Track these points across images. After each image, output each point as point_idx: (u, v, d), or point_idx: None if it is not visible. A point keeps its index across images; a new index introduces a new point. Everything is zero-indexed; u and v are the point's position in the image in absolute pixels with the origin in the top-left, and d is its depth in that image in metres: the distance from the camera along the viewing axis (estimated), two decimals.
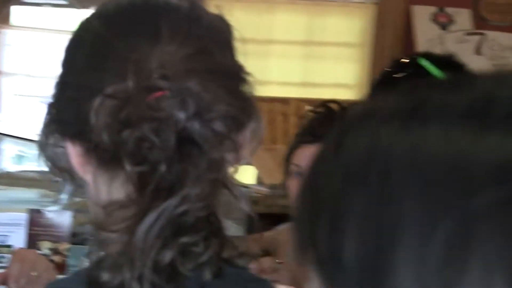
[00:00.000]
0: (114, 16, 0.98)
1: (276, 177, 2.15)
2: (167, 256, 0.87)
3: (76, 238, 2.31)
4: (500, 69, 0.44)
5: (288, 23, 3.94)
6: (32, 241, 2.33)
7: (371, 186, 0.44)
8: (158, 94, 0.88)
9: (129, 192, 0.89)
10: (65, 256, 2.30)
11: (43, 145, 1.00)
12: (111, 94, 0.89)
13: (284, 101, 3.69)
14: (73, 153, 0.96)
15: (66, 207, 2.39)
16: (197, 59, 0.92)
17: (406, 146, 0.44)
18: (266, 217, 1.99)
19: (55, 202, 2.44)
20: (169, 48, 0.91)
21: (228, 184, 0.92)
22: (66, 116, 0.97)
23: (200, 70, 0.90)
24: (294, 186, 2.06)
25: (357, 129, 0.49)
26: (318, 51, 3.79)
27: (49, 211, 2.40)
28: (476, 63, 3.21)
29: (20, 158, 3.60)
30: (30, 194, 2.62)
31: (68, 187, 1.02)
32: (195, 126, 0.88)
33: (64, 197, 2.12)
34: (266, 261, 1.98)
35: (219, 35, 0.97)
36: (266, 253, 2.12)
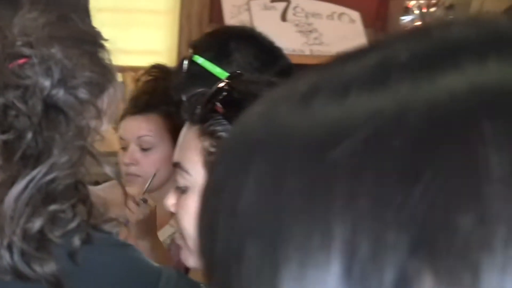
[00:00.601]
0: None
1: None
2: (37, 223, 0.87)
3: None
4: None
5: None
6: None
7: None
8: (22, 61, 0.87)
9: None
10: None
11: None
12: None
13: None
14: None
15: None
16: (58, 26, 0.91)
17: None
18: None
19: None
20: (30, 15, 0.90)
21: (93, 151, 0.93)
22: None
23: (62, 37, 0.90)
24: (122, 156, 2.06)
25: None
26: (126, 18, 3.77)
27: None
28: (282, 30, 3.31)
29: None
30: None
31: None
32: (60, 93, 0.88)
33: None
34: None
35: (78, 2, 0.97)
36: None
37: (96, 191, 1.87)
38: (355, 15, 3.40)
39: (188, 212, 1.36)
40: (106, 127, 0.95)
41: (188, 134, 1.42)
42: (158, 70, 2.15)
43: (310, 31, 3.34)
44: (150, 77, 2.09)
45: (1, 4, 0.92)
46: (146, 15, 3.83)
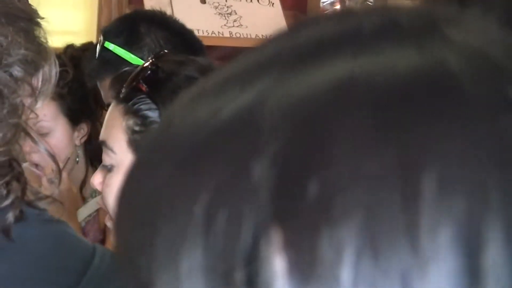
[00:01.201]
0: None
1: None
2: None
3: None
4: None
5: None
6: None
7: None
8: None
9: None
10: None
11: None
12: None
13: None
14: None
15: None
16: None
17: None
18: None
19: None
20: None
21: (27, 128, 0.93)
22: None
23: None
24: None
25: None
26: None
27: None
28: (201, 12, 3.31)
29: None
30: None
31: None
32: None
33: None
34: None
35: None
36: None
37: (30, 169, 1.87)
38: None
39: (113, 191, 1.37)
40: (40, 106, 0.96)
41: (114, 113, 1.43)
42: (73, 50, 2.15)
43: (230, 14, 3.36)
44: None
45: None
46: None
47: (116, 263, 0.41)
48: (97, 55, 1.95)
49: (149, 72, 1.42)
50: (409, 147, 0.35)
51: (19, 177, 0.92)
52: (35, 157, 1.99)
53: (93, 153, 2.08)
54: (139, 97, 1.41)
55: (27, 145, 1.90)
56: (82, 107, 2.11)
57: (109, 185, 1.39)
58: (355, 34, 0.39)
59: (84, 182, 2.12)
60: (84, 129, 2.13)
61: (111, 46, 1.93)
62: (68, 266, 1.01)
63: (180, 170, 0.38)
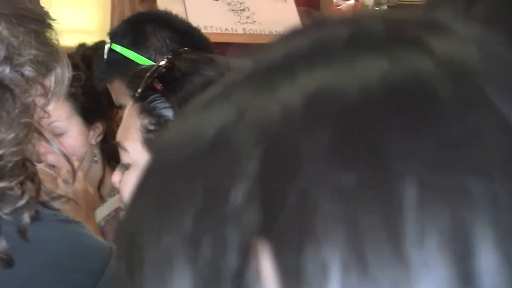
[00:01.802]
0: None
1: None
2: None
3: None
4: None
5: None
6: None
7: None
8: None
9: None
10: None
11: None
12: None
13: None
14: None
15: None
16: (4, 4, 0.91)
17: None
18: None
19: None
20: None
21: (39, 128, 0.93)
22: None
23: (8, 14, 0.90)
24: None
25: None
26: None
27: None
28: (215, 9, 3.31)
29: None
30: None
31: None
32: (6, 70, 0.88)
33: None
34: None
35: None
36: None
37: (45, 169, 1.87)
38: None
39: (129, 188, 1.37)
40: (53, 107, 0.96)
41: (130, 112, 1.42)
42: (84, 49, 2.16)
43: (242, 10, 3.35)
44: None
45: None
46: None
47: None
48: (105, 57, 1.96)
49: (164, 70, 1.42)
50: (384, 157, 0.35)
51: (33, 177, 0.92)
52: (51, 158, 1.99)
53: (109, 152, 2.08)
54: (154, 95, 1.40)
55: (41, 146, 1.91)
56: (96, 106, 2.11)
57: (125, 182, 1.39)
58: (327, 46, 0.39)
59: (102, 181, 2.12)
60: (99, 128, 2.13)
61: (118, 47, 1.94)
62: (84, 267, 1.01)
63: (162, 197, 0.38)
